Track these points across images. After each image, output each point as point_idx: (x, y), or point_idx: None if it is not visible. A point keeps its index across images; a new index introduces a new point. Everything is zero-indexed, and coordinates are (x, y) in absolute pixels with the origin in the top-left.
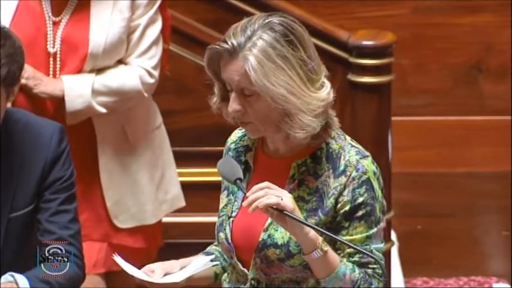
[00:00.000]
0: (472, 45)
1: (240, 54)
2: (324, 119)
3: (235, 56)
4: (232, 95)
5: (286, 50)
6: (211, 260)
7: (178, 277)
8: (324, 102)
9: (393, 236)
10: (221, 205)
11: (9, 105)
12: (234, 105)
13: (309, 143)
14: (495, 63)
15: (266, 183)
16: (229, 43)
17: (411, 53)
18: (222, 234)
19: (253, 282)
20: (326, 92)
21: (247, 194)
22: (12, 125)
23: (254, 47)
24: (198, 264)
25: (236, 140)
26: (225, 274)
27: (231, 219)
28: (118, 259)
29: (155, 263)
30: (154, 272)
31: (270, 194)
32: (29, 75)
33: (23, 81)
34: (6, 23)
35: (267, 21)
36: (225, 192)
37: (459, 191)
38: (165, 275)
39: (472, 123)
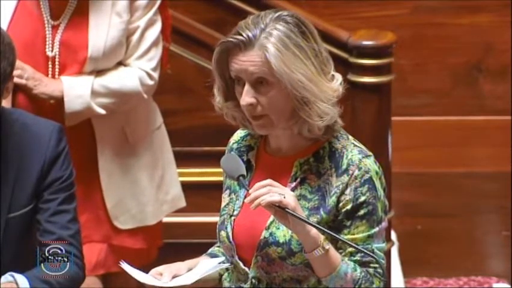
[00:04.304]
0: (472, 45)
1: (256, 44)
2: (338, 111)
3: (250, 47)
4: (246, 88)
5: (301, 40)
6: (221, 262)
7: (188, 279)
8: (336, 93)
9: (393, 235)
10: (223, 204)
11: (9, 105)
12: (247, 98)
13: (313, 140)
14: (495, 63)
15: (269, 181)
16: (244, 35)
17: (411, 53)
18: (223, 233)
19: (253, 281)
20: (338, 83)
21: (250, 191)
22: (10, 125)
23: (270, 36)
24: (208, 266)
25: (238, 140)
26: (226, 273)
27: (233, 217)
28: (125, 266)
29: (162, 266)
30: (161, 275)
31: (273, 191)
32: (29, 75)
33: (23, 81)
34: (4, 25)
35: (277, 14)
36: (227, 191)
37: (459, 191)
38: (173, 277)
39: (472, 123)
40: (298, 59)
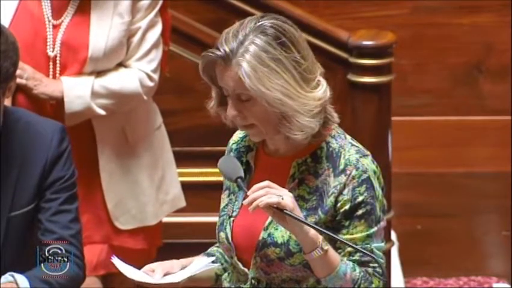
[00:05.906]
0: (472, 45)
1: (233, 61)
2: (322, 118)
3: (228, 62)
4: (230, 101)
5: (279, 52)
6: (213, 262)
7: (178, 277)
8: (321, 101)
9: (393, 236)
10: (222, 205)
11: (9, 104)
12: (231, 111)
13: (309, 141)
14: (495, 63)
15: (267, 182)
16: (222, 50)
17: (411, 53)
18: (222, 234)
19: (253, 281)
20: (322, 90)
21: (248, 193)
22: (12, 124)
23: (246, 52)
24: (199, 264)
25: (238, 141)
26: (225, 274)
27: (232, 218)
28: (116, 261)
29: (155, 263)
30: (154, 271)
31: (271, 193)
32: (29, 75)
33: (23, 81)
34: (5, 25)
35: (258, 24)
36: (226, 192)
37: (459, 191)
38: (165, 274)
39: (472, 123)
40: (276, 73)
